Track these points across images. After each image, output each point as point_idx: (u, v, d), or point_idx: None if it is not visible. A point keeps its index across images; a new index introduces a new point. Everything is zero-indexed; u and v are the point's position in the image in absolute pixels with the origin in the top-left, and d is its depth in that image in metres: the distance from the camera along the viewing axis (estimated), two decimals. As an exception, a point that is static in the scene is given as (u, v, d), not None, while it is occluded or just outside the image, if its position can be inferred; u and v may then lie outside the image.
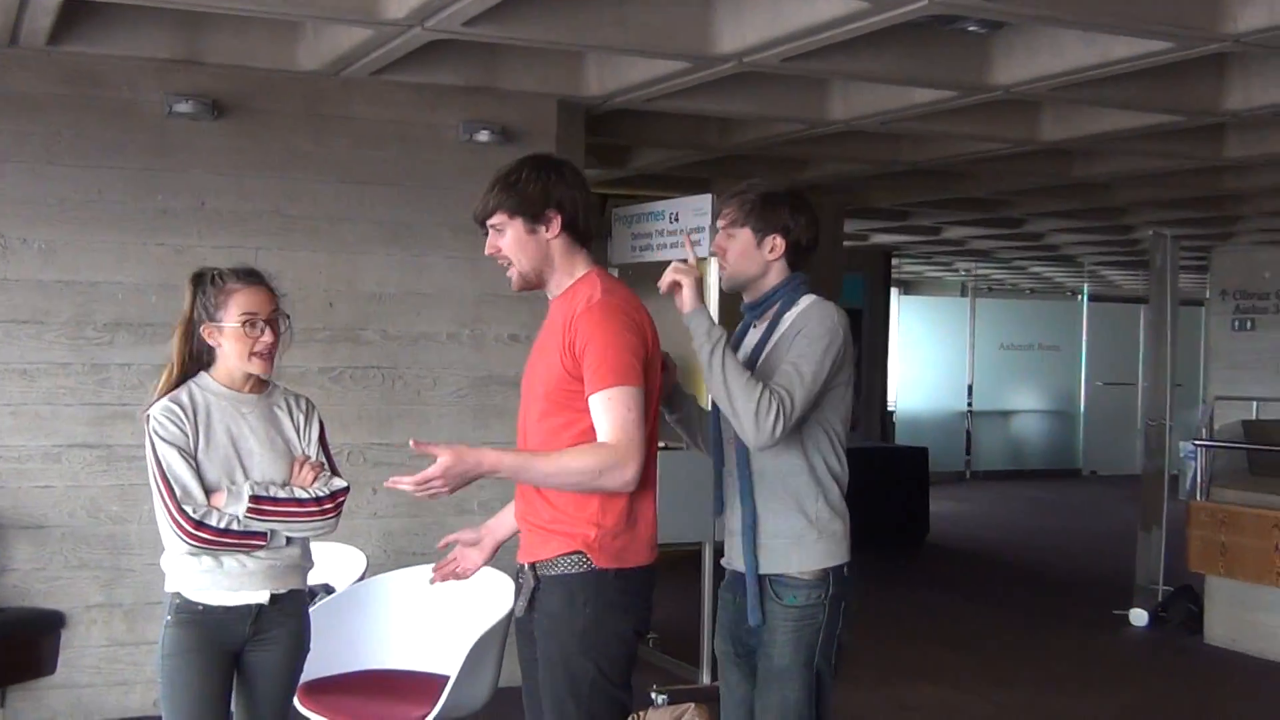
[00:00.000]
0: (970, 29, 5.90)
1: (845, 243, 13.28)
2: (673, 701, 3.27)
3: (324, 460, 3.78)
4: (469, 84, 6.69)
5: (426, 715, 4.20)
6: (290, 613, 3.71)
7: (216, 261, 6.12)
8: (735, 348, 3.49)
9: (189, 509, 3.50)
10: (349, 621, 4.72)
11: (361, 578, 5.03)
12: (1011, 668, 7.74)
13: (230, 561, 3.57)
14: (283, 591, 3.66)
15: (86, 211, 6.14)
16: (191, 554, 3.54)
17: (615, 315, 3.21)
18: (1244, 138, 8.28)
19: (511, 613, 4.22)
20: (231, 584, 3.58)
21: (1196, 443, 9.14)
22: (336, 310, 6.58)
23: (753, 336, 3.54)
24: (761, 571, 3.41)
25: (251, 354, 3.61)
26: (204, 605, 3.58)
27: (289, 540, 3.65)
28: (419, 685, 4.52)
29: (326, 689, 4.49)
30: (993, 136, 8.03)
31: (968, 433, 18.61)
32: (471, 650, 4.23)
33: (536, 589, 3.33)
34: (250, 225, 6.40)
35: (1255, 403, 14.94)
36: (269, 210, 6.45)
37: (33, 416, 6.05)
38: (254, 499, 3.54)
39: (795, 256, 3.51)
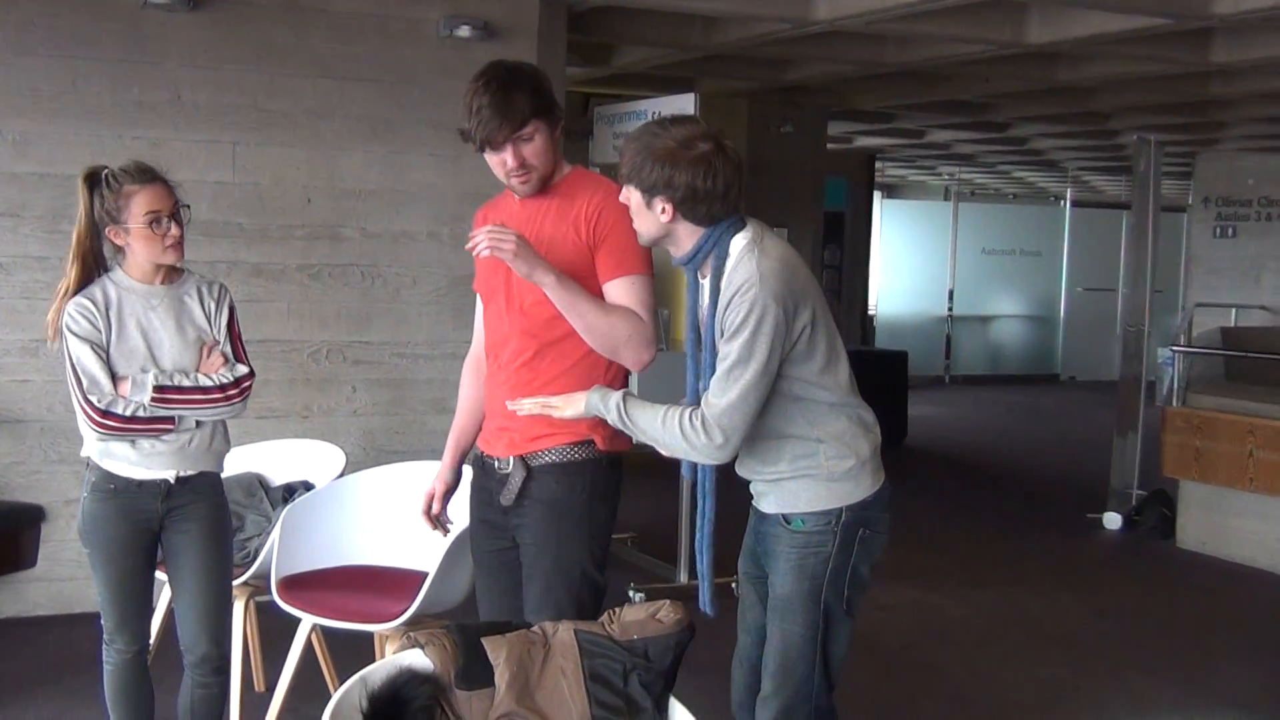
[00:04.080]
0: (959, -73, 5.81)
1: (829, 145, 13.20)
2: (650, 599, 3.31)
3: (231, 347, 3.90)
4: (449, -23, 6.59)
5: (405, 610, 4.22)
6: (202, 493, 3.87)
7: (194, 156, 6.08)
8: (693, 303, 3.23)
9: (94, 398, 3.67)
10: (327, 518, 4.73)
11: (340, 475, 5.03)
12: (986, 570, 7.84)
13: (143, 441, 3.75)
14: (192, 473, 3.84)
15: (61, 103, 6.05)
16: (102, 440, 3.73)
17: (627, 210, 3.19)
18: (1231, 42, 8.23)
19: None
20: (142, 460, 3.76)
21: (1174, 349, 9.19)
22: (315, 207, 6.52)
23: (705, 290, 3.16)
24: (768, 510, 3.24)
25: (163, 249, 3.74)
26: (116, 478, 3.78)
27: (198, 424, 3.81)
28: (397, 581, 4.54)
29: (305, 584, 4.51)
30: (978, 38, 7.95)
31: (948, 337, 18.65)
32: (450, 547, 4.24)
33: (528, 479, 3.37)
34: (227, 119, 6.32)
35: (1234, 310, 15.05)
36: (246, 104, 6.36)
37: (9, 311, 6.01)
38: (158, 388, 3.71)
39: (695, 213, 3.05)
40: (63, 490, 6.13)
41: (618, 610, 2.83)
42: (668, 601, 2.81)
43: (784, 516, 3.18)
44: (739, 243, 3.06)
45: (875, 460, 3.21)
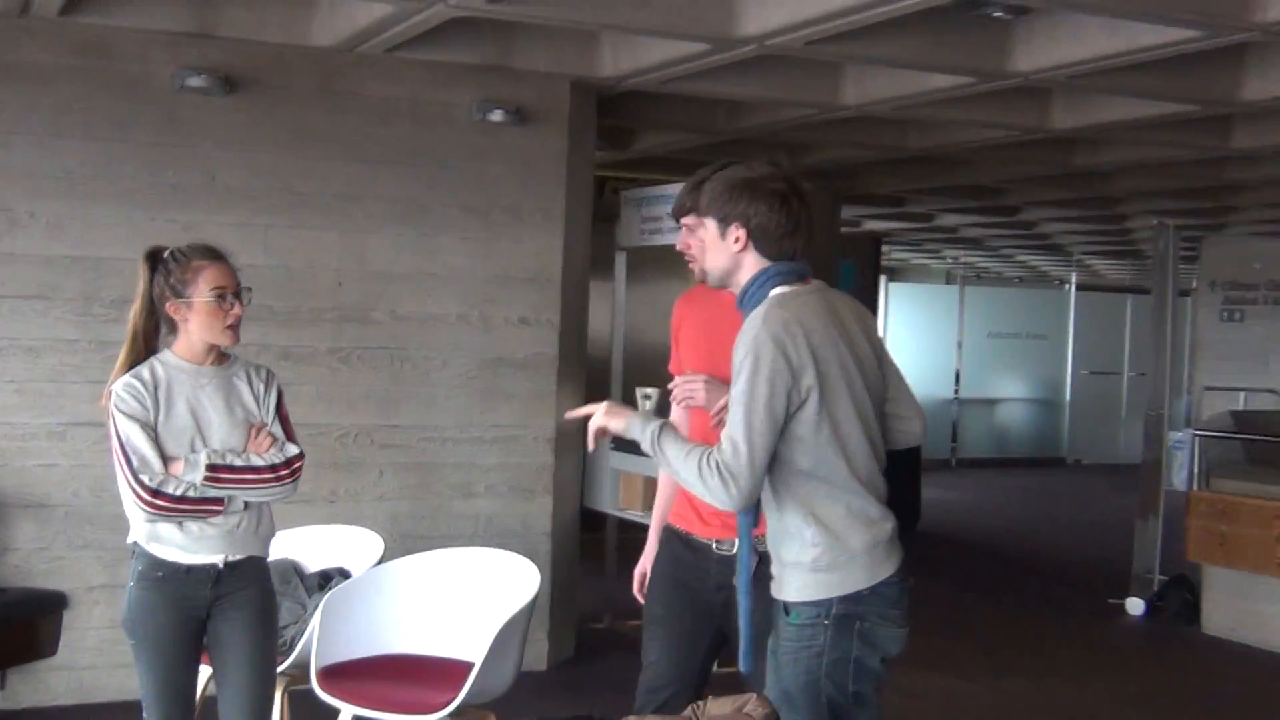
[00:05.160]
0: (995, 14, 5.84)
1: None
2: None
3: (281, 429, 3.89)
4: (483, 63, 6.61)
5: (451, 700, 4.14)
6: (250, 578, 3.84)
7: (226, 239, 6.05)
8: None
9: (145, 477, 3.62)
10: (367, 606, 4.66)
11: (379, 561, 4.96)
12: (1013, 656, 7.74)
13: (190, 524, 3.70)
14: (240, 557, 3.79)
15: (94, 186, 6.04)
16: (150, 521, 3.68)
17: None
18: (1252, 128, 8.27)
19: (535, 599, 4.25)
20: (190, 545, 3.71)
21: (1196, 432, 9.14)
22: (346, 290, 6.50)
23: None
24: (775, 596, 3.22)
25: (224, 327, 3.76)
26: (164, 564, 3.72)
27: (246, 506, 3.77)
28: (440, 670, 4.46)
29: (345, 674, 4.43)
30: (1002, 124, 8.00)
31: (954, 420, 18.61)
32: (497, 636, 4.18)
33: (760, 562, 3.36)
34: (260, 202, 6.31)
35: (1242, 393, 15.03)
36: (279, 187, 6.36)
37: (37, 394, 5.97)
38: (210, 467, 3.69)
39: (766, 244, 3.18)
40: (85, 577, 6.05)
41: (702, 704, 2.76)
42: (754, 695, 2.74)
43: (784, 605, 3.17)
44: (770, 297, 3.14)
45: (874, 554, 3.13)
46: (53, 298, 5.99)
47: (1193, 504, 8.35)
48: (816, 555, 3.09)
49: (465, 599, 4.69)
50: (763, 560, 3.34)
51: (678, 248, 3.60)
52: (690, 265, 3.54)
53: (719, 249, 3.20)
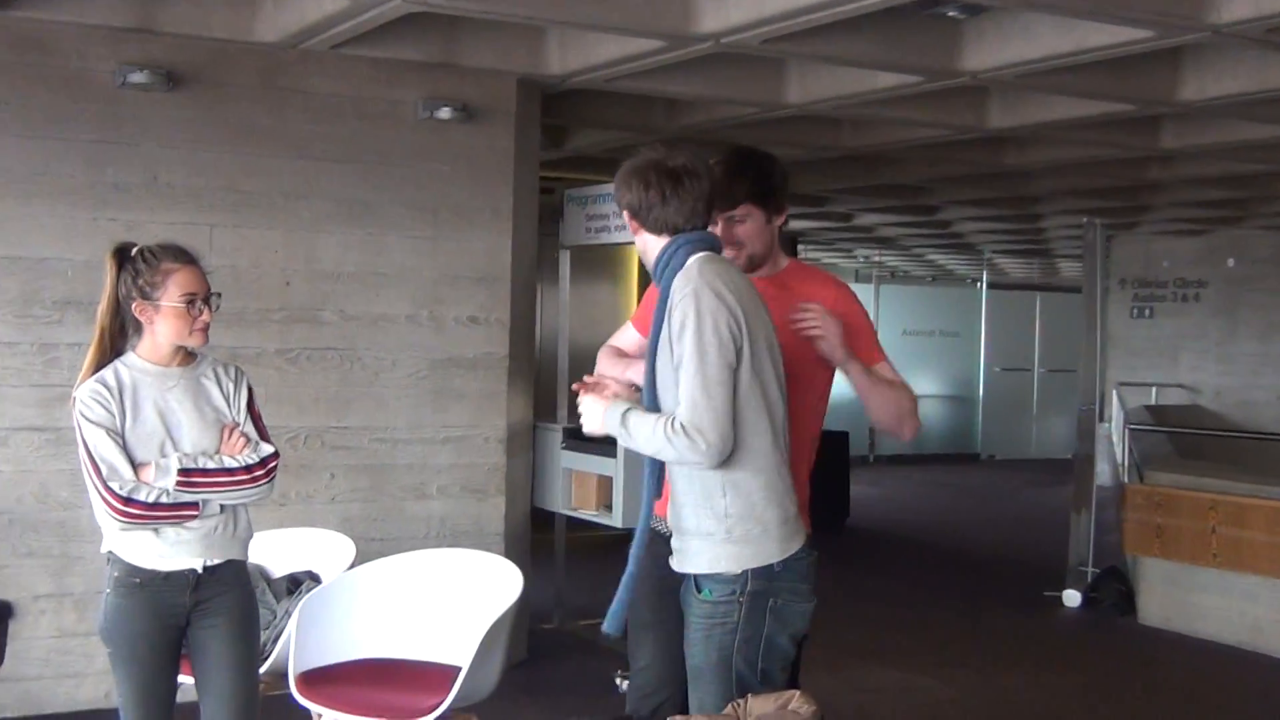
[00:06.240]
0: (951, 14, 5.90)
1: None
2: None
3: (254, 428, 3.80)
4: (429, 60, 6.53)
5: (438, 704, 4.07)
6: (229, 583, 3.74)
7: (171, 239, 5.93)
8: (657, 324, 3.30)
9: (115, 485, 3.51)
10: (344, 610, 4.57)
11: (352, 565, 4.87)
12: (960, 650, 7.81)
13: (166, 530, 3.59)
14: (219, 561, 3.69)
15: (34, 185, 5.86)
16: (124, 529, 3.57)
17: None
18: (1180, 128, 8.44)
19: (520, 600, 4.20)
20: (167, 550, 3.60)
21: (1132, 426, 9.32)
22: (293, 290, 6.38)
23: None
24: (677, 569, 3.30)
25: (191, 331, 3.65)
26: (141, 571, 3.61)
27: (223, 509, 3.67)
28: (420, 674, 4.39)
29: (324, 679, 4.34)
30: (939, 123, 8.07)
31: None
32: (484, 638, 4.12)
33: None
34: (204, 201, 6.17)
35: (1154, 388, 15.39)
36: (223, 186, 6.22)
37: (-22, 398, 5.78)
38: (182, 471, 3.59)
39: (648, 223, 3.28)
40: (31, 586, 5.87)
41: (742, 702, 2.73)
42: (797, 692, 2.72)
43: (695, 582, 3.21)
44: (693, 260, 3.21)
45: (785, 528, 3.20)
46: (-8, 300, 5.81)
47: (1129, 497, 8.49)
48: (730, 526, 3.15)
49: (444, 601, 4.61)
50: (657, 539, 3.44)
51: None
52: (733, 256, 3.59)
53: (639, 237, 3.34)
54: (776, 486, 3.18)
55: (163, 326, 3.64)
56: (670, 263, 3.23)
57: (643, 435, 3.12)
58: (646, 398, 3.25)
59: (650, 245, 3.29)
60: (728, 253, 3.46)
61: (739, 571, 3.14)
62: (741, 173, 3.55)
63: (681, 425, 3.03)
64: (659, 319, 3.21)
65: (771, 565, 3.15)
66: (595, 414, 3.28)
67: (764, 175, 3.60)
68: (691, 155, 3.30)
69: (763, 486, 3.16)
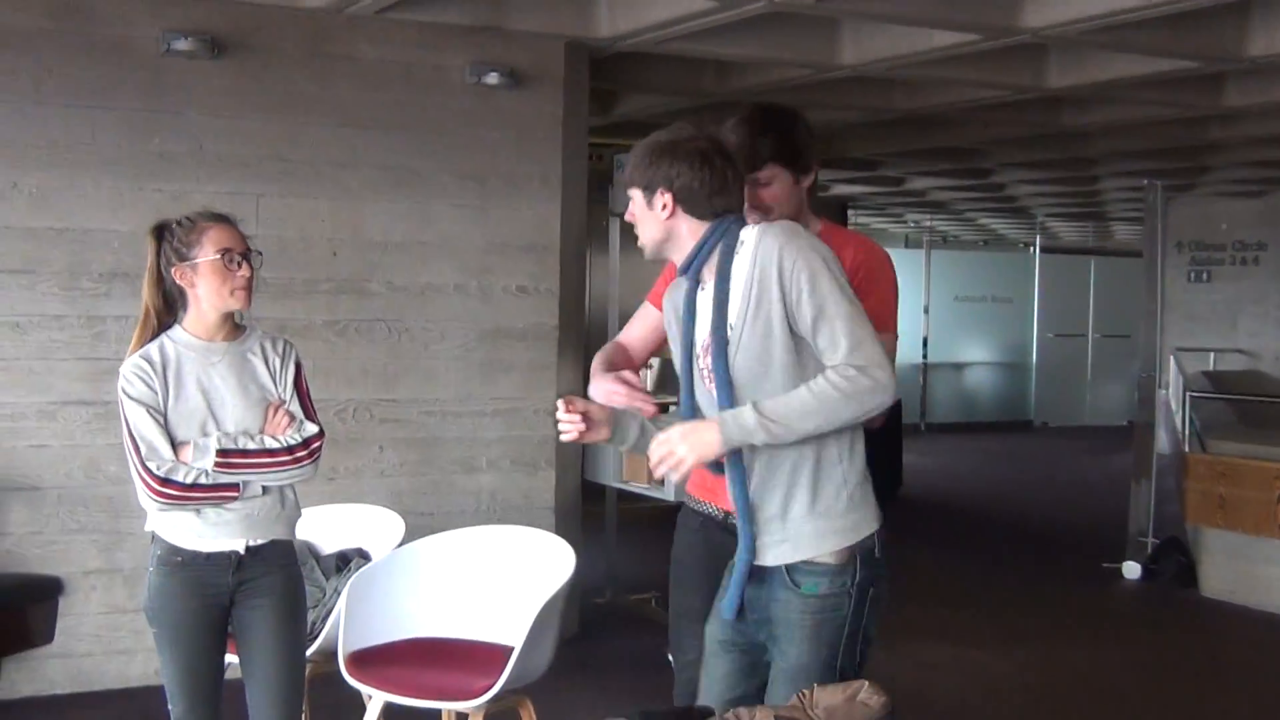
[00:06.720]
0: (1012, -32, 5.71)
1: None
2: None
3: (299, 406, 3.70)
4: (475, 24, 6.41)
5: (490, 685, 3.98)
6: (275, 564, 3.66)
7: (217, 208, 5.88)
8: (690, 316, 3.03)
9: (153, 465, 3.45)
10: (393, 588, 4.48)
11: (402, 542, 4.78)
12: (1020, 624, 7.67)
13: (208, 510, 3.53)
14: (262, 542, 3.61)
15: (79, 155, 5.79)
16: (163, 510, 3.50)
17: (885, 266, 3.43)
18: (1244, 86, 8.19)
19: (573, 578, 4.10)
20: (208, 531, 3.54)
21: (1193, 394, 9.11)
22: (340, 260, 6.29)
23: (708, 297, 2.97)
24: (771, 563, 2.93)
25: (232, 289, 3.55)
26: (182, 551, 3.55)
27: (265, 490, 3.59)
28: (472, 654, 4.30)
29: (374, 659, 4.25)
30: (997, 84, 7.86)
31: (922, 385, 18.56)
32: (537, 617, 4.02)
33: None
34: (250, 170, 6.09)
35: (1212, 354, 15.10)
36: (270, 155, 6.14)
37: (26, 372, 5.72)
38: (221, 452, 3.50)
39: (696, 205, 2.95)
40: (81, 561, 5.83)
41: (808, 693, 2.61)
42: (865, 682, 2.60)
43: (790, 577, 2.90)
44: (751, 230, 2.93)
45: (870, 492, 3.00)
46: (39, 272, 5.74)
47: (1191, 466, 8.30)
48: (851, 493, 2.91)
49: (495, 579, 4.51)
50: (709, 524, 3.21)
51: (748, 205, 3.27)
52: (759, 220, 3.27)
53: (647, 220, 2.98)
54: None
55: (204, 288, 3.54)
56: (719, 244, 2.94)
57: (804, 409, 2.76)
58: (721, 398, 2.89)
59: (684, 229, 2.96)
60: (753, 218, 3.18)
61: (848, 551, 2.89)
62: (764, 132, 3.30)
63: (854, 368, 2.73)
64: (721, 302, 2.90)
65: (873, 550, 2.92)
66: (706, 442, 2.83)
67: (788, 132, 3.35)
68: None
69: (863, 444, 2.95)
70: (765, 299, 2.84)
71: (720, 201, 2.96)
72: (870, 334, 2.79)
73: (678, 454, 2.85)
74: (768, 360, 2.86)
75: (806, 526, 2.90)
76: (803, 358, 2.86)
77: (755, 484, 2.92)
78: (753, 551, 2.93)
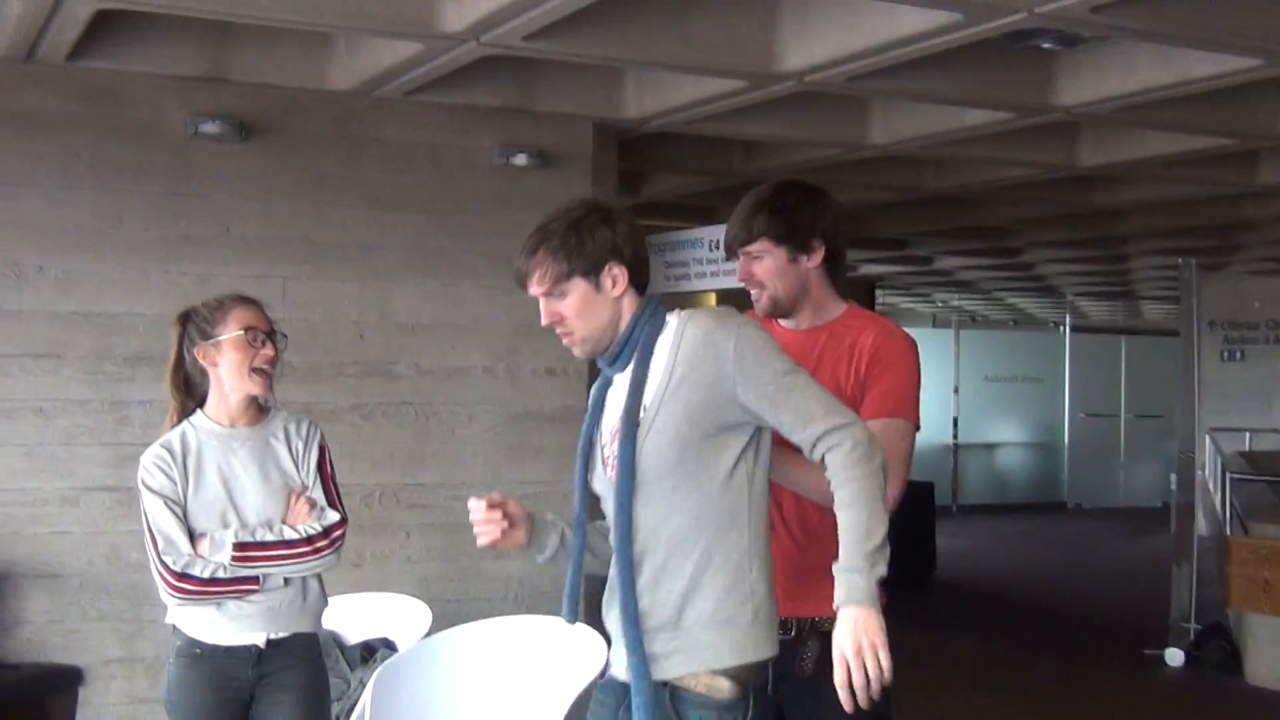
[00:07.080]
0: (1044, 45, 5.65)
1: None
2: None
3: (322, 492, 3.62)
4: (503, 105, 6.38)
5: (520, 783, 3.85)
6: (297, 657, 3.57)
7: (244, 291, 5.84)
8: (599, 410, 2.81)
9: (169, 560, 3.39)
10: (419, 680, 4.35)
11: (429, 631, 4.66)
12: (1061, 713, 7.48)
13: (229, 603, 3.47)
14: (284, 635, 3.54)
15: (105, 238, 5.77)
16: (181, 604, 3.45)
17: (907, 351, 3.20)
18: (1278, 163, 8.12)
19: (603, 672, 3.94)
20: (228, 624, 3.48)
21: (1234, 475, 8.94)
22: (368, 342, 6.23)
23: (619, 387, 2.73)
24: (669, 677, 2.59)
25: (252, 369, 3.49)
26: (202, 644, 3.49)
27: (287, 581, 3.52)
28: (501, 749, 4.17)
29: (400, 754, 4.13)
30: (1029, 162, 7.82)
31: (953, 466, 18.37)
32: (570, 710, 3.89)
33: (823, 649, 2.87)
34: (277, 252, 6.05)
35: (1248, 434, 14.89)
36: (297, 237, 6.10)
37: (49, 458, 5.65)
38: (238, 545, 3.45)
39: (641, 273, 2.73)
40: (102, 650, 5.73)
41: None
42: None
43: (674, 704, 2.56)
44: (674, 315, 2.70)
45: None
46: (63, 356, 5.69)
47: (1233, 550, 8.12)
48: (757, 605, 2.60)
49: (524, 671, 4.39)
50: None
51: (739, 279, 3.29)
52: (756, 296, 3.24)
53: (596, 307, 2.67)
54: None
55: (225, 367, 3.50)
56: (649, 323, 2.69)
57: (861, 516, 2.48)
58: (622, 486, 2.62)
59: (625, 307, 2.70)
60: (754, 293, 3.21)
61: (763, 659, 2.60)
62: (761, 206, 3.20)
63: (853, 446, 2.50)
64: (638, 384, 2.65)
65: (766, 686, 2.62)
66: (873, 625, 2.44)
67: (784, 210, 3.20)
68: None
69: (770, 556, 2.68)
70: (688, 381, 2.60)
71: (648, 273, 2.76)
72: (834, 399, 2.61)
73: (868, 658, 2.42)
74: (679, 447, 2.59)
75: (701, 636, 2.59)
76: (720, 454, 2.61)
77: (644, 583, 2.63)
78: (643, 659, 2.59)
